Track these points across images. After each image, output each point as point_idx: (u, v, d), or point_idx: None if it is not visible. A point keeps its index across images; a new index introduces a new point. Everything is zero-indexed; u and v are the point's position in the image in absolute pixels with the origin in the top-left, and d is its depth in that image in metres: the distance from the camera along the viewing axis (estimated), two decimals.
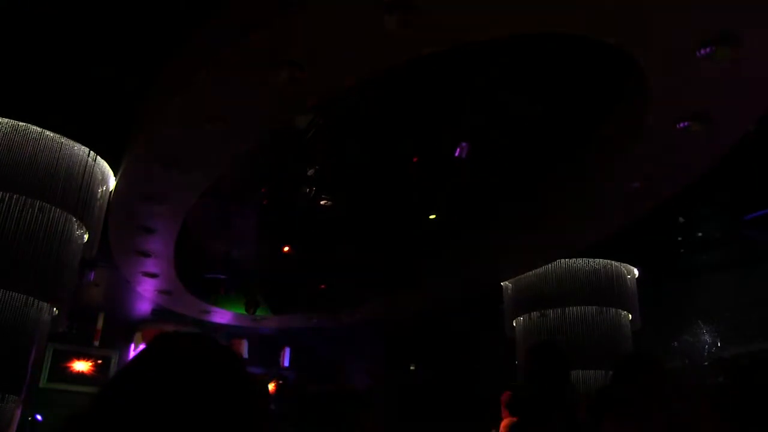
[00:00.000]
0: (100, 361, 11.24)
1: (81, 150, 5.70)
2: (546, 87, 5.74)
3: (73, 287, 5.93)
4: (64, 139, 5.57)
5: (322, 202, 7.47)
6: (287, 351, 12.66)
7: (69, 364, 11.04)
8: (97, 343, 10.91)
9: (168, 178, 5.87)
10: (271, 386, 11.69)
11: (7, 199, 5.29)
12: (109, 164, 6.03)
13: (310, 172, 7.10)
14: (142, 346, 11.01)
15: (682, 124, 4.90)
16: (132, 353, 11.33)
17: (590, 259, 7.99)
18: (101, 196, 6.03)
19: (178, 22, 5.03)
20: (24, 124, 5.44)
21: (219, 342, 1.29)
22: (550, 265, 8.02)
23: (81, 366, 11.12)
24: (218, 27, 4.62)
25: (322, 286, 9.82)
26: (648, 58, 4.35)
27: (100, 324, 10.62)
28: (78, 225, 5.74)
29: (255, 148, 5.74)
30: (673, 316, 8.88)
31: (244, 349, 11.93)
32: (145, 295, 9.40)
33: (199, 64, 4.58)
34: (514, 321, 8.48)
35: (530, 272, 8.20)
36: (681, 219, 7.51)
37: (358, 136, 6.57)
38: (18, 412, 5.59)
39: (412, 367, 12.68)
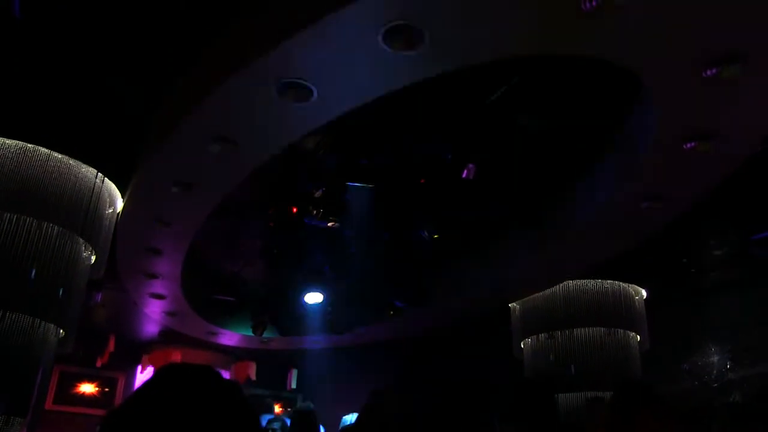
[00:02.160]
0: (106, 384, 11.18)
1: (89, 172, 5.69)
2: (553, 106, 5.72)
3: (80, 309, 5.89)
4: (72, 161, 5.56)
5: (329, 224, 7.42)
6: (294, 373, 12.58)
7: (75, 387, 10.99)
8: (102, 365, 10.85)
9: (176, 199, 5.84)
10: (277, 408, 11.59)
11: (15, 220, 5.27)
12: (117, 186, 6.02)
13: (318, 193, 7.08)
14: (149, 369, 10.96)
15: (689, 145, 4.86)
16: (139, 375, 11.27)
17: (598, 280, 7.91)
18: (109, 218, 6.01)
19: (188, 42, 5.04)
20: (32, 146, 5.43)
21: (223, 377, 1.32)
22: (557, 286, 7.96)
23: (87, 388, 11.05)
24: (228, 47, 4.63)
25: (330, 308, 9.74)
26: (653, 78, 4.32)
27: (111, 346, 10.56)
28: (85, 246, 5.72)
29: (264, 168, 5.72)
30: (681, 337, 8.77)
31: (252, 371, 11.86)
32: (153, 316, 9.36)
33: (209, 86, 4.58)
34: (522, 342, 8.40)
35: (538, 293, 8.14)
36: (690, 240, 7.44)
37: (366, 156, 6.56)
38: None
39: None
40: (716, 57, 3.97)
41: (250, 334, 9.82)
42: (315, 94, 4.43)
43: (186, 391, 1.22)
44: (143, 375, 11.09)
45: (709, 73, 4.04)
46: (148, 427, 1.15)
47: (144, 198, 6.03)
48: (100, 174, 5.79)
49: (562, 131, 5.95)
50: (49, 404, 10.40)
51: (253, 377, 11.84)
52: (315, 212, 7.10)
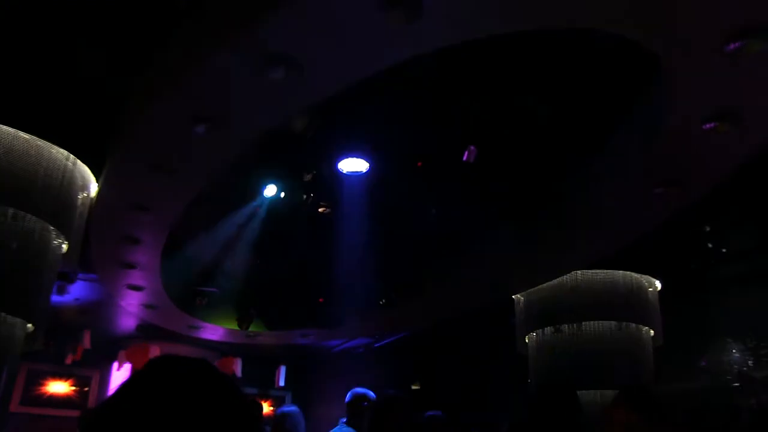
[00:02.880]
0: (78, 383, 11.10)
1: (59, 153, 5.61)
2: (560, 85, 5.68)
3: (50, 302, 5.84)
4: (40, 142, 5.48)
5: (320, 210, 7.41)
6: (282, 370, 12.60)
7: (44, 386, 10.91)
8: (74, 362, 10.76)
9: (155, 183, 5.80)
10: (266, 408, 11.60)
11: None
12: (90, 168, 5.95)
13: (308, 177, 7.05)
14: (126, 366, 10.93)
15: (708, 125, 4.82)
16: (115, 373, 11.22)
17: (608, 271, 7.89)
18: (81, 204, 5.95)
19: (166, 18, 4.98)
20: None
21: (216, 368, 1.28)
22: (564, 276, 7.93)
23: (57, 388, 10.97)
24: (210, 23, 4.57)
25: (321, 300, 9.76)
26: (671, 54, 4.27)
27: (87, 342, 10.51)
28: (56, 234, 5.66)
29: (249, 151, 5.68)
30: (698, 332, 8.77)
31: (237, 368, 11.87)
32: (130, 309, 9.34)
33: (190, 62, 4.52)
34: (527, 337, 8.39)
35: (543, 284, 8.13)
36: (707, 228, 7.42)
37: (358, 139, 6.52)
38: None
39: (415, 387, 12.59)
40: (740, 29, 3.91)
41: (235, 327, 9.83)
42: (304, 69, 4.37)
43: (179, 386, 1.19)
44: (120, 372, 11.05)
45: (732, 47, 3.99)
46: (137, 426, 1.12)
47: (120, 182, 5.98)
48: (71, 156, 5.72)
49: (570, 113, 5.92)
50: (14, 406, 10.32)
51: (239, 374, 11.84)
52: (305, 197, 7.09)
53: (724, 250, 8.26)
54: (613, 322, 7.73)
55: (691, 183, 5.78)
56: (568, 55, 5.24)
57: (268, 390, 12.61)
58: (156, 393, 1.17)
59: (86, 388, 11.25)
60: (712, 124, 4.80)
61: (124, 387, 1.22)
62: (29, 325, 5.60)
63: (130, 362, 10.92)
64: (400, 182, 7.12)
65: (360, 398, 5.41)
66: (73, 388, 11.12)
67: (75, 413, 10.16)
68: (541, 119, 6.10)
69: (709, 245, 8.00)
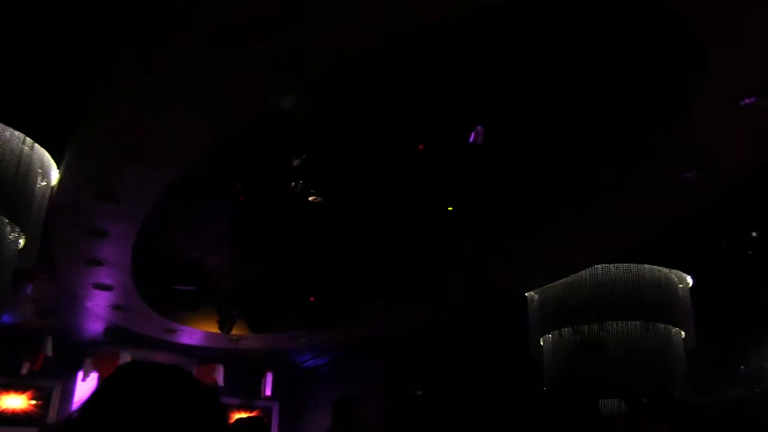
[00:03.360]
0: (37, 397, 10.98)
1: (13, 136, 5.56)
2: (578, 58, 5.64)
3: (5, 303, 5.81)
4: None
5: (310, 199, 7.38)
6: (269, 377, 12.61)
7: None
8: (30, 373, 10.63)
9: (124, 170, 5.78)
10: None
11: None
12: (50, 153, 5.91)
13: (296, 162, 7.01)
14: (92, 375, 10.89)
15: (746, 100, 4.80)
16: (80, 384, 11.18)
17: (633, 265, 7.88)
18: (40, 193, 5.91)
19: None
20: None
21: (191, 376, 1.28)
22: (584, 271, 7.92)
23: (13, 402, 10.83)
24: None
25: (312, 299, 9.74)
26: (707, 23, 4.24)
27: (48, 349, 10.45)
28: (11, 227, 5.62)
29: (230, 134, 5.65)
30: (736, 334, 8.75)
31: (219, 375, 11.87)
32: (97, 311, 9.33)
33: (164, 34, 4.48)
34: (542, 339, 8.40)
35: (560, 281, 8.11)
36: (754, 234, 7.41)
37: (352, 119, 6.48)
38: None
39: (418, 393, 12.61)
40: None
41: (216, 330, 9.81)
42: (290, 41, 4.33)
43: (150, 397, 1.17)
44: (85, 383, 11.01)
45: None
46: None
47: (85, 169, 5.95)
48: (28, 139, 5.67)
49: (589, 90, 5.87)
50: None
51: (221, 383, 11.84)
52: (294, 184, 7.06)
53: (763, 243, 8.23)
54: (639, 323, 7.73)
55: (725, 167, 5.77)
56: (585, 23, 5.20)
57: (252, 400, 12.62)
58: (125, 406, 1.15)
59: (43, 402, 11.15)
60: (752, 99, 4.78)
61: (90, 400, 1.20)
62: None
63: (97, 371, 10.88)
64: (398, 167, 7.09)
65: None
66: (32, 402, 11.01)
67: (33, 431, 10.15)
68: (555, 97, 6.05)
69: (754, 234, 7.93)
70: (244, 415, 12.00)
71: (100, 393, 1.21)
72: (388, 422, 4.12)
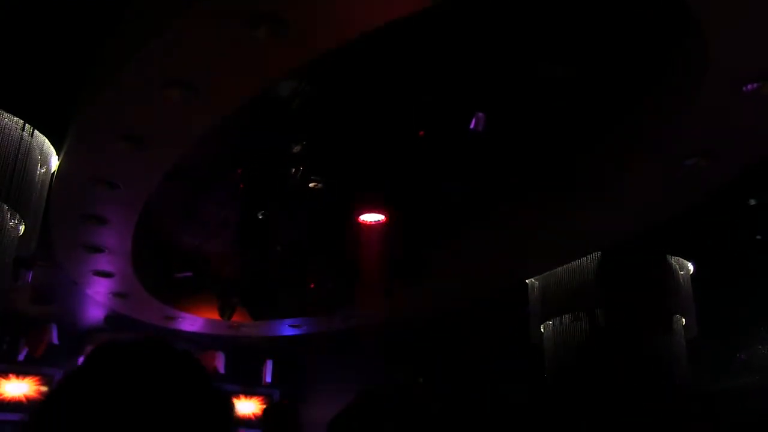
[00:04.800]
0: (38, 384, 10.98)
1: (13, 123, 5.55)
2: (580, 45, 5.62)
3: (5, 290, 5.82)
4: None
5: (311, 185, 7.37)
6: (269, 365, 12.63)
7: None
8: (30, 359, 10.63)
9: (124, 156, 5.77)
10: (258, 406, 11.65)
11: None
12: (49, 140, 5.90)
13: (296, 149, 7.01)
14: None
15: (750, 86, 4.78)
16: None
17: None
18: (40, 179, 5.90)
19: None
20: None
21: (178, 350, 1.20)
22: (585, 258, 7.91)
23: (13, 389, 10.83)
24: None
25: (312, 285, 9.74)
26: (709, 8, 4.22)
27: (53, 336, 10.47)
28: (11, 214, 5.61)
29: (230, 120, 5.64)
30: (738, 321, 8.74)
31: (220, 363, 11.89)
32: (97, 298, 9.34)
33: (163, 18, 4.45)
34: (542, 326, 8.39)
35: (561, 267, 8.11)
36: (752, 201, 7.34)
37: (353, 105, 6.47)
38: None
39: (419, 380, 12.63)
40: None
41: (217, 318, 9.82)
42: (291, 26, 4.32)
43: (127, 380, 1.10)
44: None
45: None
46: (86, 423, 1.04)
47: (84, 155, 5.95)
48: (28, 126, 5.66)
49: (590, 74, 5.86)
50: None
51: (222, 370, 11.88)
52: (294, 170, 7.05)
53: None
54: None
55: (727, 154, 5.75)
56: (587, 10, 5.19)
57: (253, 387, 12.64)
58: (98, 391, 1.09)
59: (44, 389, 11.17)
60: (755, 85, 4.77)
61: (60, 385, 1.16)
62: None
63: None
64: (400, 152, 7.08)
65: None
66: (31, 389, 11.01)
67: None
68: (556, 81, 6.04)
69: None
70: (245, 401, 12.10)
71: (73, 376, 1.15)
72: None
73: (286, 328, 10.85)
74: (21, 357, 10.61)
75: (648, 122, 5.95)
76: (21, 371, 10.93)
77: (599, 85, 5.95)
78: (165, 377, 1.12)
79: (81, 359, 10.81)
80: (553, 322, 8.17)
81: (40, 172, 5.84)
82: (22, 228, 5.80)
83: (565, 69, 5.85)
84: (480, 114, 6.24)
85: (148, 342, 1.20)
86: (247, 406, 12.47)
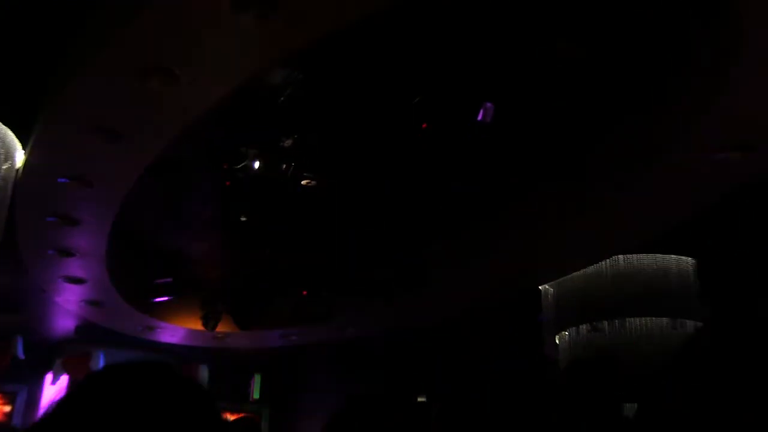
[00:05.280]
0: (1, 401, 10.96)
1: None
2: (602, 32, 5.60)
3: None
4: None
5: (303, 182, 7.37)
6: (255, 379, 12.63)
7: None
8: None
9: (97, 150, 5.75)
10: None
11: None
12: (14, 133, 5.88)
13: (287, 142, 7.00)
14: (63, 378, 10.85)
15: None
16: (48, 387, 11.13)
17: (658, 255, 7.87)
18: (4, 176, 5.88)
19: None
20: None
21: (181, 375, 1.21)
22: (604, 262, 7.91)
23: None
24: None
25: (305, 293, 9.75)
26: None
27: (17, 349, 10.44)
28: None
29: (214, 112, 5.62)
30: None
31: (203, 377, 11.90)
32: (68, 307, 9.33)
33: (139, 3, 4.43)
34: (557, 337, 8.39)
35: (578, 272, 8.09)
36: None
37: (348, 96, 6.46)
38: None
39: (421, 399, 12.64)
40: None
41: (200, 327, 9.82)
42: (280, 9, 4.31)
43: (129, 404, 1.13)
44: (54, 387, 10.97)
45: None
46: None
47: (53, 150, 5.92)
48: None
49: (611, 60, 5.84)
50: None
51: (204, 384, 11.85)
52: (285, 166, 7.05)
53: None
54: (665, 319, 7.71)
55: (761, 147, 5.75)
56: None
57: (239, 404, 12.62)
58: (99, 415, 1.10)
59: (7, 407, 11.12)
60: None
61: (57, 407, 1.16)
62: None
63: (68, 373, 10.84)
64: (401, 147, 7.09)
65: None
66: None
67: None
68: (572, 69, 6.03)
69: None
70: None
71: (69, 399, 1.16)
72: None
73: (277, 339, 10.84)
74: None
75: (674, 114, 5.93)
76: None
77: (621, 72, 5.94)
78: (171, 414, 1.15)
79: (49, 375, 10.83)
80: (569, 332, 8.17)
81: (4, 167, 5.82)
82: None
83: (583, 50, 5.84)
84: (488, 104, 6.23)
85: (148, 367, 1.22)
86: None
